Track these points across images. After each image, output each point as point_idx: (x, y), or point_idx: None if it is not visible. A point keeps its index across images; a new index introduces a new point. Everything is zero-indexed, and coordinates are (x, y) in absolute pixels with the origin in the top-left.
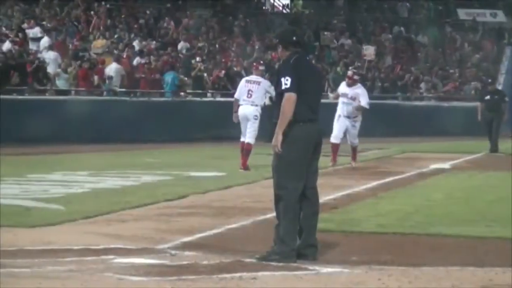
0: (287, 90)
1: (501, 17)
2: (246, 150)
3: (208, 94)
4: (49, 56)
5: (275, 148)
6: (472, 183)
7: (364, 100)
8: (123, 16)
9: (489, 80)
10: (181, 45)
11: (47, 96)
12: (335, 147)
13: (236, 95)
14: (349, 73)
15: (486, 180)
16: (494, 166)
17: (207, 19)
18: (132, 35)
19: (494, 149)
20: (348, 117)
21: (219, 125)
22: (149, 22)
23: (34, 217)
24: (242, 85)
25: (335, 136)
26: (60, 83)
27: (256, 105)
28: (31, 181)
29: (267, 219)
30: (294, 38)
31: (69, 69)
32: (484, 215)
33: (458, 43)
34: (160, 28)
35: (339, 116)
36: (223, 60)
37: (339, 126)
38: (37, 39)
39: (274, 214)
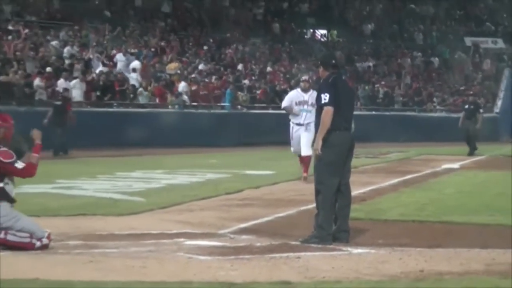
0: (326, 104)
1: (500, 44)
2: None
3: (259, 107)
4: (133, 76)
5: (316, 151)
6: (478, 180)
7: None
8: (191, 44)
9: (471, 92)
10: (239, 67)
11: (136, 109)
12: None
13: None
14: (305, 77)
15: (489, 177)
16: (496, 166)
17: (259, 46)
18: (198, 60)
19: (471, 152)
20: (308, 123)
21: (269, 132)
22: (212, 48)
23: (121, 207)
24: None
25: (296, 151)
26: (142, 99)
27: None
28: (118, 178)
29: (308, 209)
30: (333, 61)
31: (148, 88)
32: (488, 206)
33: (464, 65)
34: (221, 53)
35: (297, 126)
36: (272, 79)
37: (296, 138)
38: (124, 63)
39: (314, 205)
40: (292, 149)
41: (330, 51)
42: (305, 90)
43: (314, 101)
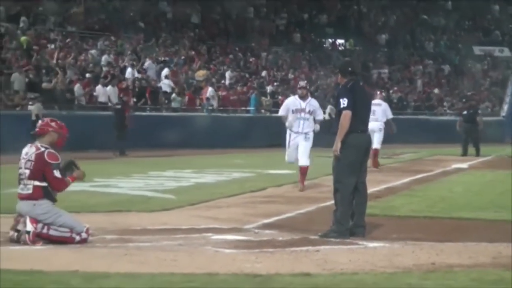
0: (344, 108)
1: (506, 52)
2: (374, 154)
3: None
4: (165, 82)
5: (335, 152)
6: (485, 179)
7: (321, 113)
8: (218, 52)
9: (463, 100)
10: (263, 73)
11: (168, 113)
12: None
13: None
14: (303, 83)
15: (496, 177)
16: (502, 166)
17: (281, 54)
18: (225, 67)
19: (465, 153)
20: (307, 132)
21: None
22: (238, 57)
23: (153, 204)
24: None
25: (292, 160)
26: (174, 104)
27: (380, 121)
28: (151, 177)
29: (327, 206)
30: (350, 68)
31: (180, 93)
32: (495, 204)
33: (473, 72)
34: (246, 61)
35: (294, 134)
36: (294, 85)
37: (292, 147)
38: (156, 71)
39: (333, 202)
40: (286, 158)
41: (348, 59)
42: (302, 98)
43: (311, 109)
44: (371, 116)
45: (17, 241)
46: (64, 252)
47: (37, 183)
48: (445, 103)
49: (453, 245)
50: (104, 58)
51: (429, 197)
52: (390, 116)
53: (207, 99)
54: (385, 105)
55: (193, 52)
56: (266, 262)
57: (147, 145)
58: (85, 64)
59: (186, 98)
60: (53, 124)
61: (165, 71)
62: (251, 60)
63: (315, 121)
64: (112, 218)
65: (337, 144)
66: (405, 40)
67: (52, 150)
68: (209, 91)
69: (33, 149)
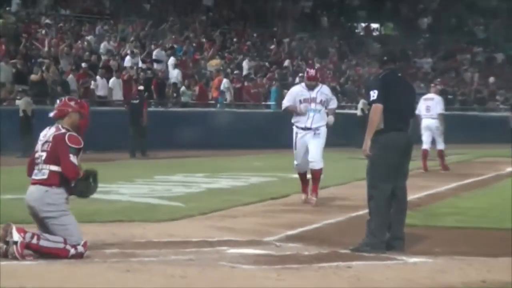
0: (373, 101)
1: None
2: (439, 156)
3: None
4: (174, 73)
5: (364, 152)
6: None
7: (335, 102)
8: (234, 39)
9: None
10: (285, 63)
11: (178, 109)
12: (304, 176)
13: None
14: (312, 71)
15: None
16: None
17: (307, 41)
18: (241, 56)
19: None
20: (316, 128)
21: None
22: (256, 44)
23: (159, 213)
24: (421, 102)
25: (301, 164)
26: (184, 98)
27: (435, 118)
28: (156, 181)
29: (359, 215)
30: (385, 57)
31: (191, 86)
32: None
33: None
34: (266, 49)
35: (302, 131)
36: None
37: (301, 147)
38: (160, 60)
39: (366, 210)
40: (295, 162)
41: (387, 47)
42: (310, 86)
43: (324, 98)
44: (425, 113)
45: (5, 254)
46: (58, 268)
47: (53, 167)
48: (497, 97)
49: (507, 260)
50: (103, 45)
51: (478, 205)
52: (440, 111)
53: (221, 92)
54: (438, 99)
55: (205, 39)
56: (290, 279)
57: (151, 145)
58: (81, 53)
59: (197, 90)
60: (72, 103)
61: (172, 60)
62: (271, 47)
63: (327, 113)
64: (113, 228)
65: (366, 143)
66: (450, 24)
67: (74, 134)
68: (224, 83)
69: (53, 130)
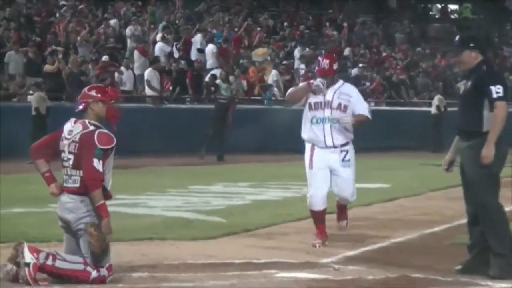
0: (500, 98)
1: None
2: None
3: (372, 103)
4: (211, 63)
5: (486, 160)
6: None
7: (365, 108)
8: (284, 23)
9: None
10: (345, 52)
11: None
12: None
13: None
14: (325, 61)
15: None
16: None
17: (371, 25)
18: (294, 43)
19: None
20: (343, 145)
21: (385, 135)
22: (311, 29)
23: (196, 229)
24: None
25: (318, 195)
26: (224, 93)
27: None
28: (192, 192)
29: (435, 233)
30: (471, 44)
31: (230, 78)
32: None
33: None
34: (321, 35)
35: (320, 149)
36: (387, 67)
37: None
38: (202, 49)
39: (442, 227)
40: (309, 193)
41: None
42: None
43: (345, 103)
44: None
45: (15, 278)
46: None
47: None
48: None
49: None
50: (128, 29)
51: None
52: None
53: (269, 86)
54: None
55: (250, 23)
56: None
57: (187, 149)
58: (103, 39)
59: (245, 84)
60: (92, 92)
61: (211, 47)
62: (328, 33)
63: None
64: (141, 248)
65: (491, 149)
66: None
67: (105, 131)
68: (272, 75)
69: (79, 127)
